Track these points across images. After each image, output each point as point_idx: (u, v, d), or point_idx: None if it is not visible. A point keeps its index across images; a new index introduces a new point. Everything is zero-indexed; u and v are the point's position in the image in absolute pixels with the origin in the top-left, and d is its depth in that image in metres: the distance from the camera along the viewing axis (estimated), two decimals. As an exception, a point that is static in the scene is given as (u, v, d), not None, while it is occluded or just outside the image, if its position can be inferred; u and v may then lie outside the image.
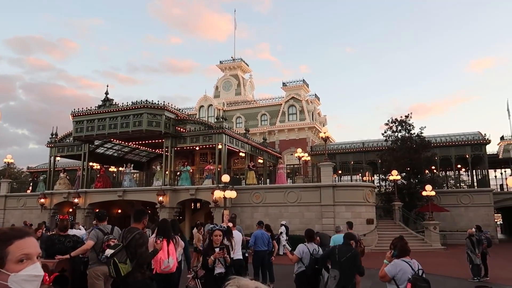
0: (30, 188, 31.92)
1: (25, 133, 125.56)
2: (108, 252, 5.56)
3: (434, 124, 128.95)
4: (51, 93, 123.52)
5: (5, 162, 32.31)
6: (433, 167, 31.36)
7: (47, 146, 30.09)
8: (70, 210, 28.61)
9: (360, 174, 29.89)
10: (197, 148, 28.70)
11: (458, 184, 38.27)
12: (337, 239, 9.52)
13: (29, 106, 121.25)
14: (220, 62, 45.10)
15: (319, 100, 42.15)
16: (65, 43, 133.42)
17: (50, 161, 29.85)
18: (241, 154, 28.61)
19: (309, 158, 31.75)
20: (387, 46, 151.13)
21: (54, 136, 29.84)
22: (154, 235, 7.84)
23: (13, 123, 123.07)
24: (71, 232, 8.25)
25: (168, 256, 6.83)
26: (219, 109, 38.79)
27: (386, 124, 30.61)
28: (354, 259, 6.70)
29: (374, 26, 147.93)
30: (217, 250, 6.15)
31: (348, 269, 6.57)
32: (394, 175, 27.12)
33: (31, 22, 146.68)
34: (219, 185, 23.06)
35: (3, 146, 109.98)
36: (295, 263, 7.25)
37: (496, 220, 32.28)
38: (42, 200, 28.01)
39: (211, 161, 28.24)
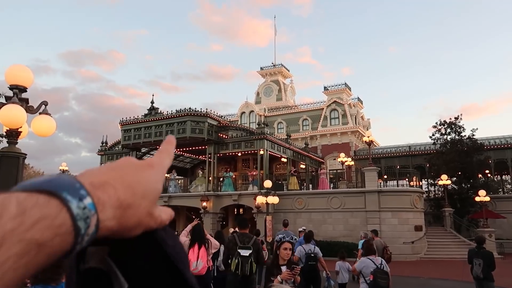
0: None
1: (78, 142, 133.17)
2: (245, 252, 6.00)
3: (487, 125, 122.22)
4: (101, 103, 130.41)
5: (60, 170, 34.35)
6: (487, 171, 29.67)
7: (97, 154, 31.67)
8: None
9: (407, 179, 28.81)
10: (239, 154, 29.00)
11: (515, 189, 35.82)
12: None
13: (81, 116, 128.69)
14: (261, 68, 45.45)
15: (362, 103, 41.26)
16: (113, 54, 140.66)
17: (100, 168, 31.34)
18: (283, 159, 28.56)
19: (352, 163, 31.09)
20: (433, 46, 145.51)
21: (104, 144, 31.35)
22: (187, 238, 8.08)
23: (67, 132, 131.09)
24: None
25: (197, 259, 7.01)
26: (260, 115, 39.00)
27: (434, 127, 29.39)
28: None
29: (418, 25, 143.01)
30: (285, 269, 4.85)
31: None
32: (444, 180, 25.90)
33: (82, 36, 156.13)
34: (262, 190, 23.14)
35: (58, 154, 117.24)
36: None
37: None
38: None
39: (254, 167, 28.43)
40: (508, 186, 37.14)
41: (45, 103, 5.19)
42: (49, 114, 5.15)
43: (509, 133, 31.59)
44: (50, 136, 5.23)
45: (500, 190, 33.47)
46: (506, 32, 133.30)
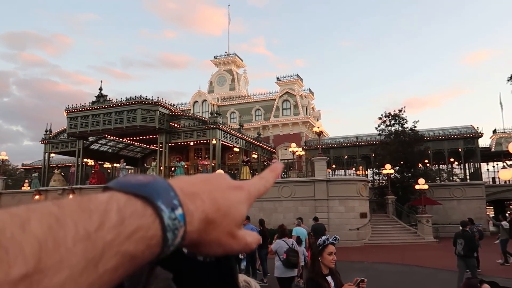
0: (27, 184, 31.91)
1: (20, 130, 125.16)
2: None
3: (429, 118, 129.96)
4: (45, 89, 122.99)
5: (-1, 159, 32.15)
6: (426, 161, 31.62)
7: (41, 143, 29.99)
8: (65, 206, 28.56)
9: (354, 169, 30.10)
10: (191, 144, 28.73)
11: (450, 178, 38.60)
12: (299, 230, 11.85)
13: (23, 102, 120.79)
14: (215, 57, 45.03)
15: (313, 94, 42.25)
16: (59, 38, 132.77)
17: (44, 157, 29.78)
18: (235, 149, 28.69)
19: (303, 152, 31.84)
20: (383, 40, 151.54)
21: (48, 132, 29.73)
22: None
23: (7, 119, 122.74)
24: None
25: None
26: (213, 105, 38.80)
27: (380, 119, 30.81)
28: None
29: (370, 20, 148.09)
30: (330, 279, 3.81)
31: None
32: (388, 169, 27.35)
33: (25, 18, 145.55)
34: (214, 180, 23.09)
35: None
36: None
37: (488, 213, 32.61)
38: (37, 197, 27.97)
39: (206, 156, 28.31)
40: (444, 175, 39.94)
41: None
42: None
43: (446, 125, 33.88)
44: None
45: (437, 178, 35.94)
46: (446, 30, 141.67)
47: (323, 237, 3.69)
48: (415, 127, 29.95)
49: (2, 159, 31.79)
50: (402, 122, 30.19)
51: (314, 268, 3.85)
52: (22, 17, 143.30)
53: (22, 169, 45.92)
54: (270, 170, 0.53)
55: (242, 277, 1.57)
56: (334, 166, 31.56)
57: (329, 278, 3.78)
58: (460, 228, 10.79)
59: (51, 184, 28.87)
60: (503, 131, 37.50)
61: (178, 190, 0.39)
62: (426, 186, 25.38)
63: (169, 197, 0.38)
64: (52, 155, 30.85)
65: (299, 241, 10.80)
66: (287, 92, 38.04)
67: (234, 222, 0.44)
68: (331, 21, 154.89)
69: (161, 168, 25.44)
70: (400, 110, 30.51)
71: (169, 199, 0.38)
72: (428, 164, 32.44)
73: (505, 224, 14.88)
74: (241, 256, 10.74)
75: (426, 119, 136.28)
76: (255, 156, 31.33)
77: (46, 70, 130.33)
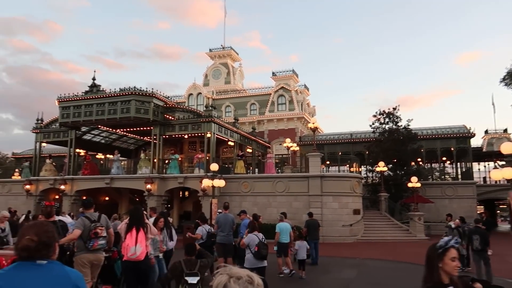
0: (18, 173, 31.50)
1: (10, 118, 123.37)
2: (193, 279, 5.19)
3: (421, 117, 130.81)
4: (35, 76, 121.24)
5: (-12, 148, 31.67)
6: (419, 159, 31.80)
7: (32, 132, 29.58)
8: (57, 197, 28.29)
9: (347, 165, 30.17)
10: (186, 137, 28.55)
11: (443, 176, 38.92)
12: (282, 226, 11.79)
13: (13, 90, 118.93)
14: (210, 50, 44.73)
15: (308, 90, 42.19)
16: (49, 25, 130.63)
17: (35, 147, 29.39)
18: (230, 143, 28.58)
19: (297, 148, 31.88)
20: (377, 38, 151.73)
21: (39, 121, 29.33)
22: (126, 220, 7.79)
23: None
24: (57, 218, 8.18)
25: (136, 244, 6.75)
26: (208, 98, 38.56)
27: (374, 116, 30.87)
28: None
29: (364, 17, 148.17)
30: None
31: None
32: (381, 167, 27.46)
33: (14, 2, 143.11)
34: (208, 174, 23.04)
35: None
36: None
37: (478, 212, 32.93)
38: (28, 187, 27.66)
39: (200, 149, 28.16)
40: (436, 173, 40.25)
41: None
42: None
43: (439, 124, 34.09)
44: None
45: (430, 177, 36.22)
46: (439, 31, 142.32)
47: (445, 239, 2.94)
48: (408, 125, 30.09)
49: (-8, 148, 31.32)
50: (396, 120, 30.30)
51: (432, 276, 2.93)
52: (10, 2, 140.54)
53: (12, 158, 45.32)
54: None
55: (245, 272, 1.49)
56: (328, 163, 31.65)
57: None
58: (473, 225, 11.76)
59: (42, 173, 28.52)
60: (494, 131, 37.84)
61: None
62: (418, 184, 25.54)
63: None
64: (44, 144, 30.45)
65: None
66: (282, 87, 37.94)
67: None
68: (324, 17, 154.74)
69: (155, 161, 25.25)
70: (394, 109, 30.61)
71: None
72: (421, 163, 32.65)
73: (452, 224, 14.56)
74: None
75: (418, 118, 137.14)
76: (249, 150, 31.26)
77: (37, 58, 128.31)
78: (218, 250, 10.78)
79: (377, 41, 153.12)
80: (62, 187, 26.34)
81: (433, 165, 38.69)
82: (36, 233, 2.09)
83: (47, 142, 30.08)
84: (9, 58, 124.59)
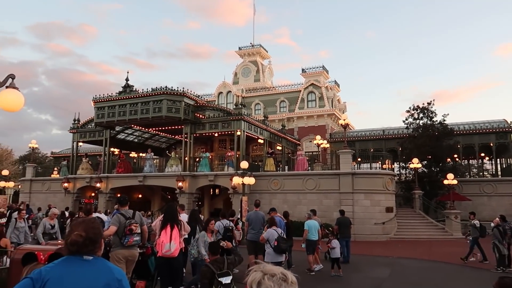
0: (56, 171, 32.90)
1: (48, 119, 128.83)
2: (226, 279, 5.03)
3: (457, 112, 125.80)
4: (72, 78, 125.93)
5: (30, 147, 33.23)
6: (455, 156, 30.67)
7: (69, 132, 30.78)
8: (93, 194, 29.35)
9: (379, 162, 29.51)
10: (216, 135, 28.85)
11: (481, 173, 37.35)
12: (311, 223, 11.84)
13: (52, 91, 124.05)
14: (239, 48, 44.92)
15: (338, 86, 41.59)
16: (84, 28, 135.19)
17: (72, 146, 30.56)
18: (259, 140, 28.62)
19: (328, 145, 31.51)
20: (410, 32, 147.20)
21: (76, 122, 30.47)
22: (160, 217, 7.93)
23: (37, 108, 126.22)
24: (94, 215, 8.49)
25: (170, 241, 6.85)
26: (238, 96, 38.77)
27: (408, 111, 30.02)
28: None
29: (396, 11, 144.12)
30: None
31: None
32: (415, 163, 26.69)
33: (52, 8, 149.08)
34: (238, 171, 23.17)
35: (27, 131, 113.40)
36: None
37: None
38: (66, 185, 28.81)
39: (230, 147, 28.37)
40: (474, 170, 38.68)
41: (12, 76, 4.91)
42: (17, 88, 4.88)
43: (477, 119, 32.70)
44: (18, 111, 4.98)
45: (467, 174, 34.83)
46: (476, 23, 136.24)
47: None
48: (444, 120, 29.07)
49: (32, 147, 32.87)
50: (430, 115, 29.34)
51: None
52: (48, 8, 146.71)
53: (51, 157, 47.32)
54: None
55: (279, 269, 1.49)
56: (359, 160, 31.04)
57: None
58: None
59: (79, 172, 29.63)
60: (538, 125, 35.83)
61: None
62: (455, 181, 24.64)
63: None
64: (80, 144, 31.64)
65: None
66: (312, 84, 37.58)
67: None
68: (355, 11, 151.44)
69: (186, 159, 25.67)
70: (429, 103, 29.64)
71: None
72: (457, 159, 31.47)
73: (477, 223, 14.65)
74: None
75: (455, 113, 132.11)
76: (279, 148, 31.19)
77: (73, 60, 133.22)
78: (249, 247, 10.82)
79: (411, 35, 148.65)
80: (98, 185, 27.26)
81: (470, 161, 37.21)
82: (84, 229, 2.21)
83: (83, 142, 31.23)
84: (48, 62, 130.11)
